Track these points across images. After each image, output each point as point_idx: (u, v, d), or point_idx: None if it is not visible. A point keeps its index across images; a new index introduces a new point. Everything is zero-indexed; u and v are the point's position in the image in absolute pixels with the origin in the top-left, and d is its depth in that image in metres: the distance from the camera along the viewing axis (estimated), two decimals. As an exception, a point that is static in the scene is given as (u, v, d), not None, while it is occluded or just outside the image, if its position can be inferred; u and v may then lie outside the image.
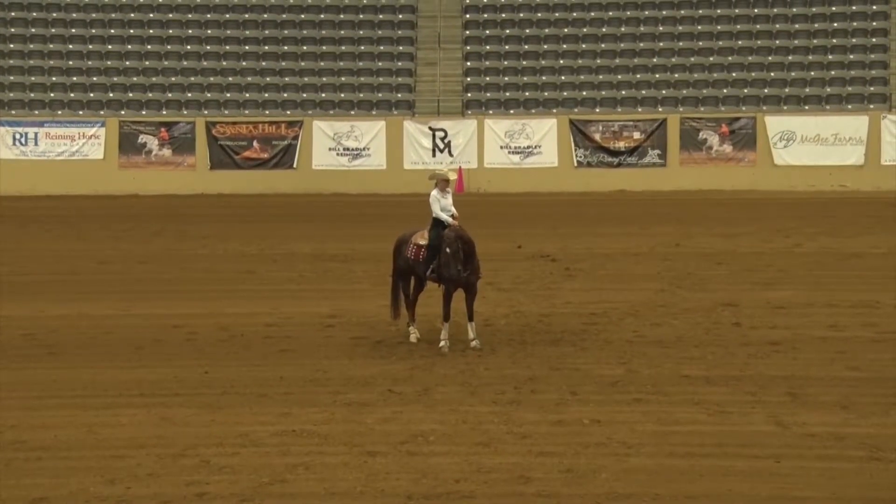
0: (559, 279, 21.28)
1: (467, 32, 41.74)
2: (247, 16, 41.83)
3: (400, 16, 42.09)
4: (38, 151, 38.60)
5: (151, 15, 41.68)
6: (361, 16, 42.01)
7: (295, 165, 38.72)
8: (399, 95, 40.24)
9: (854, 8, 40.91)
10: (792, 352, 15.42)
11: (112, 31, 41.35)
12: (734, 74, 39.92)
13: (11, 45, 40.84)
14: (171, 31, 41.41)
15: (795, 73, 39.77)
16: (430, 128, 38.70)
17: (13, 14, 41.37)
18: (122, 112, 39.45)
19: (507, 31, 41.63)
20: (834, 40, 40.50)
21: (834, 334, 16.44)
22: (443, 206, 15.95)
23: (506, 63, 40.92)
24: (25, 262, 24.03)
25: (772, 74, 39.81)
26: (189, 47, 41.17)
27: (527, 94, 40.10)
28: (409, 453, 11.36)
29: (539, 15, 41.78)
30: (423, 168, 36.00)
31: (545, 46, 41.22)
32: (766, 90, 39.46)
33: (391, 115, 39.35)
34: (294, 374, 14.48)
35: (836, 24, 40.78)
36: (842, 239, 26.10)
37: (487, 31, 41.73)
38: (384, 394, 13.52)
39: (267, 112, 39.54)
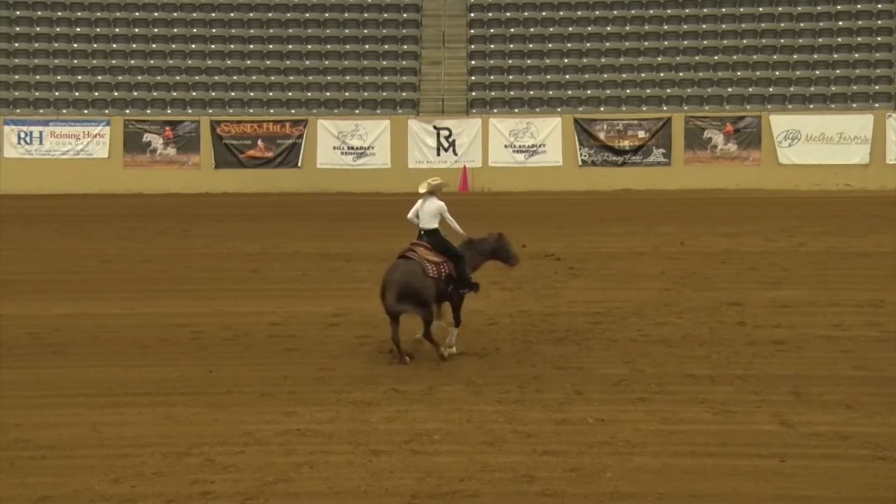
0: (563, 278, 21.25)
1: (472, 31, 41.72)
2: (251, 14, 41.83)
3: (404, 15, 42.08)
4: (42, 150, 38.62)
5: (156, 14, 41.71)
6: (366, 15, 42.00)
7: (299, 164, 38.70)
8: (403, 94, 40.22)
9: (859, 7, 40.85)
10: (796, 351, 15.39)
11: (117, 29, 41.38)
12: (739, 73, 39.87)
13: (16, 44, 40.88)
14: (175, 30, 41.43)
15: (800, 72, 39.71)
16: (435, 127, 38.67)
17: (18, 13, 41.42)
18: (127, 111, 39.47)
19: (512, 30, 41.61)
20: (839, 39, 40.45)
21: (839, 333, 16.41)
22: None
23: (510, 62, 40.90)
24: (30, 260, 24.04)
25: (777, 73, 39.76)
26: (193, 46, 41.19)
27: (531, 93, 40.07)
28: (413, 452, 11.35)
29: (543, 14, 41.76)
30: (428, 167, 36.04)
31: (549, 45, 41.20)
32: (770, 89, 39.40)
33: (395, 114, 39.34)
34: (298, 372, 14.48)
35: (840, 23, 40.72)
36: (847, 238, 26.04)
37: (492, 30, 41.72)
38: (388, 393, 13.51)
39: (271, 111, 39.54)
